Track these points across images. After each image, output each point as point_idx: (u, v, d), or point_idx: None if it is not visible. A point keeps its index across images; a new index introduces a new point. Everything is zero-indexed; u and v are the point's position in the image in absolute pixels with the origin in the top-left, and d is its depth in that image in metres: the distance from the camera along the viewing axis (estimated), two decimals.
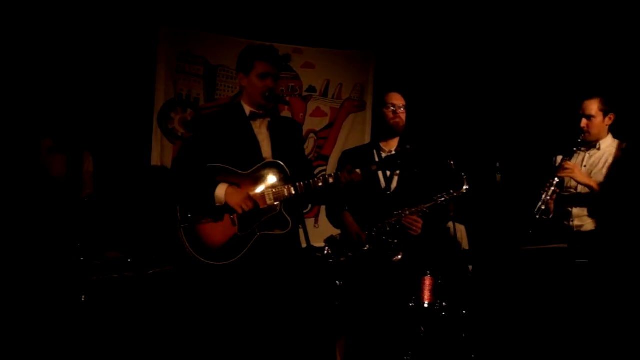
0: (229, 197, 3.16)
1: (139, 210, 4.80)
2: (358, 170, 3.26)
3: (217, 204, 3.17)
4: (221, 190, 3.17)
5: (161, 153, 5.10)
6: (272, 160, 3.28)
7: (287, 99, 5.38)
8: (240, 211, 3.15)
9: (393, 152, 3.74)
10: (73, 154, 4.37)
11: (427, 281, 3.80)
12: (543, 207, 3.76)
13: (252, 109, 3.36)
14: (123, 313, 3.93)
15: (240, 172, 3.24)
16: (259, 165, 3.26)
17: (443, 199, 3.61)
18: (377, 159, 3.75)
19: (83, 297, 3.80)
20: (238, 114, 3.37)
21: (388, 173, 3.71)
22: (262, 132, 3.35)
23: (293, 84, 5.56)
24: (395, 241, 3.60)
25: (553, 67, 5.05)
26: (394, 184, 3.73)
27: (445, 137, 5.18)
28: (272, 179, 3.24)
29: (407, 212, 3.63)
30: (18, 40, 4.59)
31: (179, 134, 5.16)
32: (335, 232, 3.81)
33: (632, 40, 4.57)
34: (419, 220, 3.63)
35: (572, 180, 3.82)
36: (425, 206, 3.62)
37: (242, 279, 3.19)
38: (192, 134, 3.58)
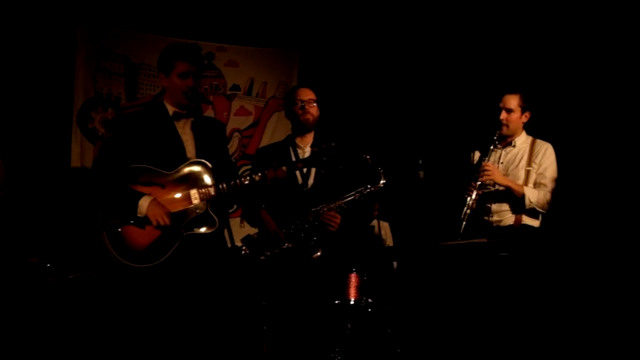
0: (149, 209, 3.12)
1: (59, 214, 4.65)
2: (284, 168, 3.28)
3: (138, 214, 3.13)
4: (145, 202, 3.12)
5: (81, 154, 4.94)
6: (196, 159, 3.26)
7: (211, 97, 5.32)
8: (155, 223, 3.11)
9: (309, 148, 3.74)
10: None
11: (353, 278, 3.84)
12: (469, 212, 3.86)
13: (175, 109, 3.33)
14: (43, 320, 3.80)
15: (164, 172, 3.21)
16: (183, 165, 3.23)
17: (360, 194, 3.60)
18: (293, 156, 3.73)
19: None
20: (161, 113, 3.34)
21: (305, 169, 3.70)
22: (185, 132, 3.33)
23: (216, 83, 5.50)
24: (315, 238, 3.59)
25: (471, 66, 5.19)
26: (310, 181, 3.71)
27: (366, 133, 5.26)
28: (197, 178, 3.23)
29: (325, 209, 3.61)
30: None
31: (100, 134, 5.01)
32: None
33: (550, 41, 4.76)
34: (337, 216, 3.63)
35: None
36: (343, 202, 3.61)
37: (169, 280, 3.16)
38: (112, 134, 3.50)
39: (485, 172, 3.86)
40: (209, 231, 3.21)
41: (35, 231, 4.44)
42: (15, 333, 3.70)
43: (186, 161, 3.25)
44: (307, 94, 3.75)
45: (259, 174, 3.24)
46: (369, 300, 3.66)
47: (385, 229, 4.86)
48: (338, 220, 3.63)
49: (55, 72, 4.86)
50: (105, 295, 3.86)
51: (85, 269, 4.00)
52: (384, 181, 3.55)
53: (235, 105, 5.56)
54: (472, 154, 4.20)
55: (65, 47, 4.90)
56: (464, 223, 3.82)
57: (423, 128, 5.33)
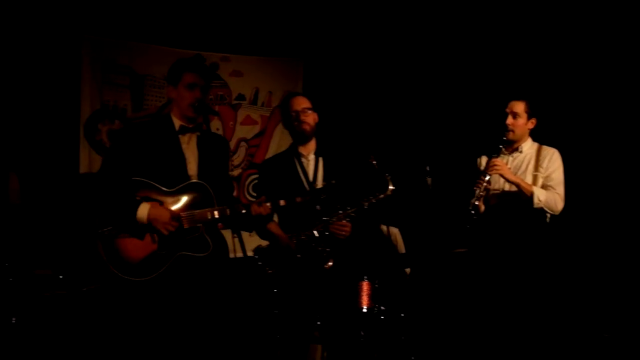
0: (153, 219, 3.12)
1: (68, 226, 4.65)
2: (268, 204, 3.29)
3: (139, 224, 3.13)
4: (143, 211, 3.12)
5: (89, 166, 4.95)
6: (197, 181, 3.25)
7: (216, 107, 5.35)
8: (165, 232, 3.12)
9: (313, 156, 3.68)
10: None
11: (365, 286, 3.86)
12: (477, 203, 3.85)
13: (181, 123, 3.31)
14: (57, 333, 3.81)
15: (164, 189, 3.20)
16: (183, 184, 3.22)
17: (369, 202, 3.54)
18: (298, 166, 3.68)
19: (14, 319, 3.67)
20: (167, 127, 3.32)
21: (311, 178, 3.66)
22: (189, 148, 3.31)
23: (222, 93, 5.53)
24: (327, 249, 3.52)
25: (476, 72, 5.23)
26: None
27: (373, 141, 5.27)
28: (195, 200, 3.21)
29: (334, 219, 3.55)
30: None
31: (107, 146, 5.02)
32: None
33: (554, 49, 4.81)
34: (347, 224, 3.57)
35: (499, 182, 3.96)
36: (352, 210, 3.55)
37: (161, 296, 3.15)
38: (116, 144, 3.47)
39: (495, 167, 3.83)
40: (203, 254, 3.20)
41: (45, 243, 4.45)
42: (29, 345, 3.71)
43: (187, 179, 3.24)
44: (300, 103, 3.67)
45: (243, 208, 3.26)
46: (382, 307, 3.67)
47: (395, 235, 4.86)
48: (348, 229, 3.58)
49: (62, 84, 4.89)
50: (108, 307, 3.86)
51: (95, 281, 4.02)
52: (392, 187, 3.49)
53: (241, 114, 5.60)
54: (478, 159, 4.21)
55: (71, 59, 4.93)
56: (472, 212, 3.79)
57: (429, 135, 5.36)
